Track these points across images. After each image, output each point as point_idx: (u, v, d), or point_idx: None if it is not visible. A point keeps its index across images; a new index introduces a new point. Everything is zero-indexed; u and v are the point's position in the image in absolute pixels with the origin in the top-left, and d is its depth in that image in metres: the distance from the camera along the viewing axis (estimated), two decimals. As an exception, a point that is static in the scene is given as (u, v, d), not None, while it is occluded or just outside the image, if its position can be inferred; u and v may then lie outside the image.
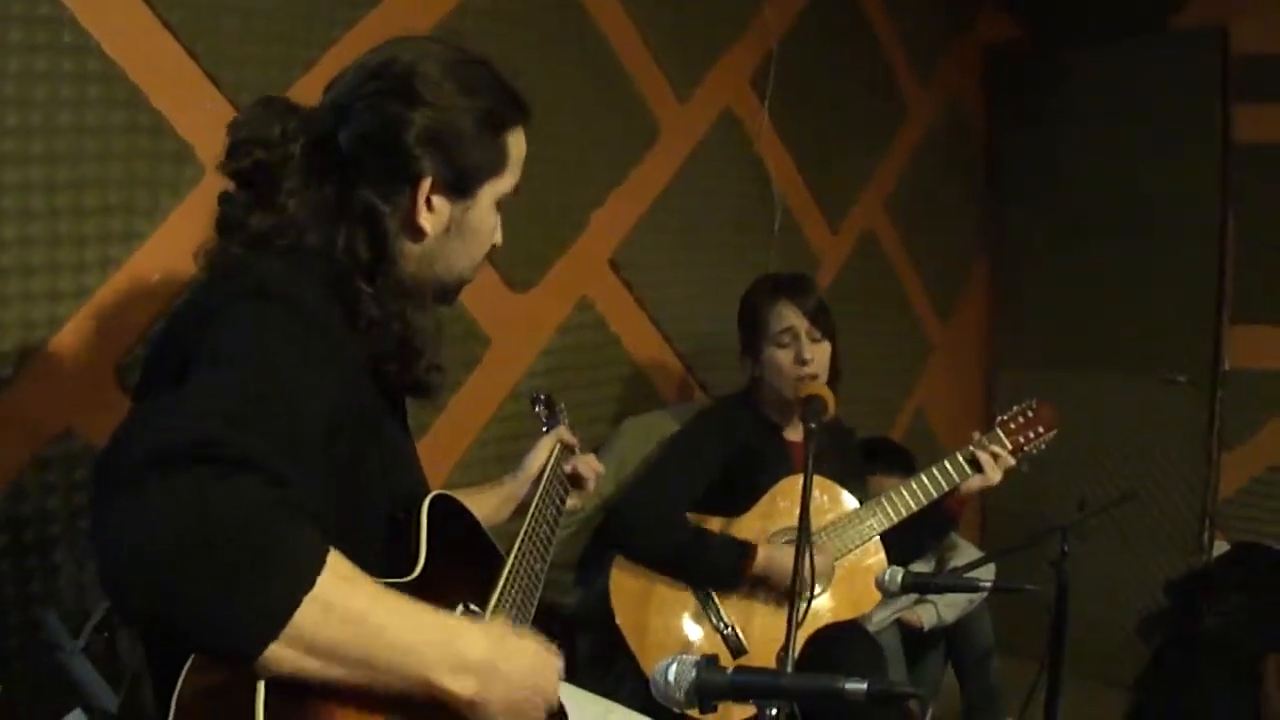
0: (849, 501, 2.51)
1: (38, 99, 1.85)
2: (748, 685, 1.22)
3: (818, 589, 2.32)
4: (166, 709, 1.06)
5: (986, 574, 2.78)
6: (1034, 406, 2.57)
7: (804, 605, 1.69)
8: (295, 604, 0.99)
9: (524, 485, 1.90)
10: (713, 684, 1.20)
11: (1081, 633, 2.52)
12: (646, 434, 2.86)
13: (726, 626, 2.39)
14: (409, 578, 1.27)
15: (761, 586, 2.41)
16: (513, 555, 1.54)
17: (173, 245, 2.00)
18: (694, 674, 1.19)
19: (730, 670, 1.21)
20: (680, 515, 2.46)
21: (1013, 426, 2.54)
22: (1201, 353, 4.03)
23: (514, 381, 2.74)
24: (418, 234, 1.39)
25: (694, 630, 2.39)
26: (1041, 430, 2.55)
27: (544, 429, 2.02)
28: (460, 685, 1.12)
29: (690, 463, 2.56)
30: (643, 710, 1.81)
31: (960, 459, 2.49)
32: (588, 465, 2.01)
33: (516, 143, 1.46)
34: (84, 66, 1.90)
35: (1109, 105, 4.17)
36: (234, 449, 1.01)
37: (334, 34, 2.28)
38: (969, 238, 4.58)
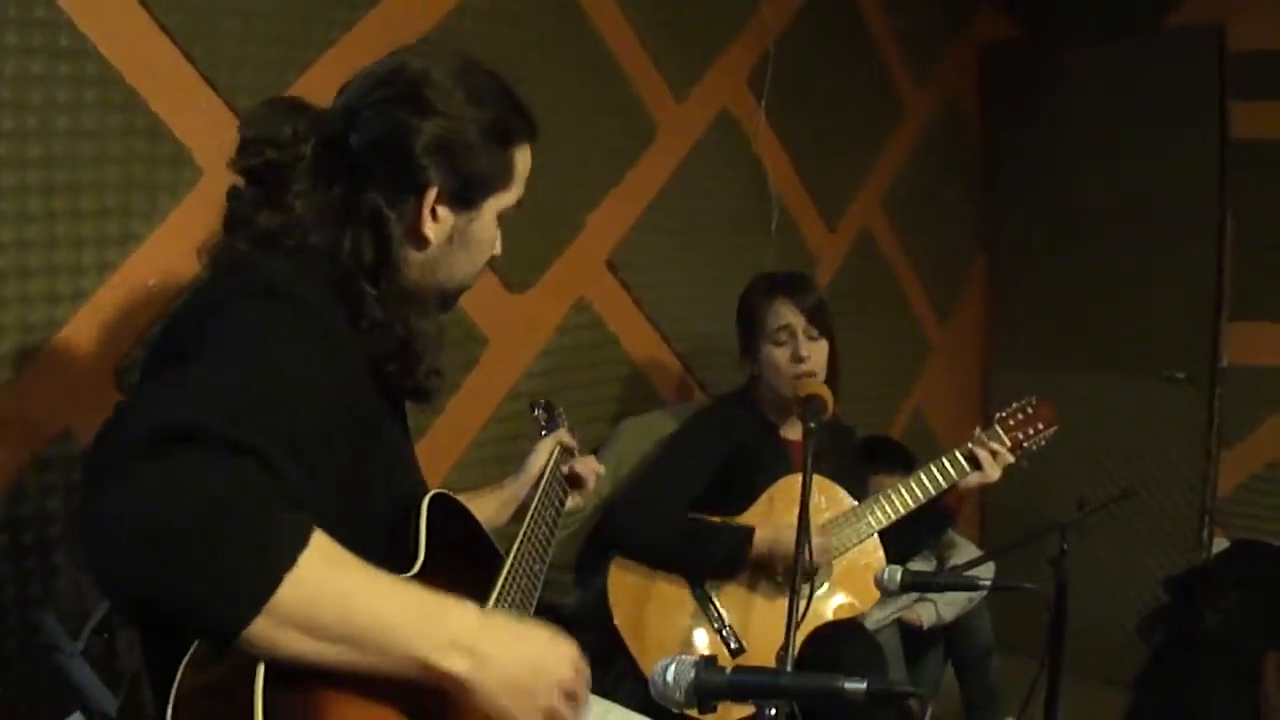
0: (847, 500, 2.51)
1: (34, 102, 1.84)
2: (747, 685, 1.22)
3: (819, 575, 2.32)
4: (165, 707, 1.06)
5: (986, 572, 2.79)
6: (1033, 403, 2.57)
7: (803, 604, 1.70)
8: (277, 581, 0.99)
9: (524, 487, 1.90)
10: (711, 684, 1.20)
11: (1081, 631, 2.52)
12: (645, 434, 2.86)
13: (725, 626, 2.39)
14: (407, 575, 1.27)
15: (761, 581, 2.41)
16: (512, 555, 1.54)
17: (170, 247, 2.00)
18: (693, 674, 1.19)
19: (729, 670, 1.21)
20: (676, 514, 2.46)
21: (1012, 423, 2.54)
22: (1200, 350, 4.04)
23: (512, 382, 2.74)
24: (421, 242, 1.39)
25: (692, 630, 2.39)
26: (1041, 427, 2.55)
27: (543, 433, 2.03)
28: (450, 662, 1.09)
29: (687, 462, 2.56)
30: (641, 710, 1.81)
31: (959, 456, 2.49)
32: (587, 466, 2.02)
33: (523, 158, 1.47)
34: (81, 69, 1.90)
35: (1106, 103, 4.17)
36: (227, 433, 1.01)
37: (332, 36, 2.28)
38: (967, 236, 4.58)
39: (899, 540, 2.51)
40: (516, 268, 2.72)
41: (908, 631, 3.09)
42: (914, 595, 3.02)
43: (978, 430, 2.54)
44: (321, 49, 2.26)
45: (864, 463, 2.94)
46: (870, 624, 2.87)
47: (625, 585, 2.43)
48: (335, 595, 1.03)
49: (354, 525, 1.13)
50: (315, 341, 1.22)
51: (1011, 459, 2.50)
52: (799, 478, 1.87)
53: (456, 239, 1.42)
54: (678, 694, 1.20)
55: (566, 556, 2.69)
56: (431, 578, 1.28)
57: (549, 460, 1.92)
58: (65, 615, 1.82)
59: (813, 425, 2.08)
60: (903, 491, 2.47)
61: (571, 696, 1.21)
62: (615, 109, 3.00)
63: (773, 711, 1.23)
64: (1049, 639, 2.19)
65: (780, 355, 2.54)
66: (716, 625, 2.39)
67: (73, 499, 1.90)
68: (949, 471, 2.48)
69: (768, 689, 1.22)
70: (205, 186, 2.04)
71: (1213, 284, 4.02)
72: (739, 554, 2.38)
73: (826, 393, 2.30)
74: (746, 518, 2.48)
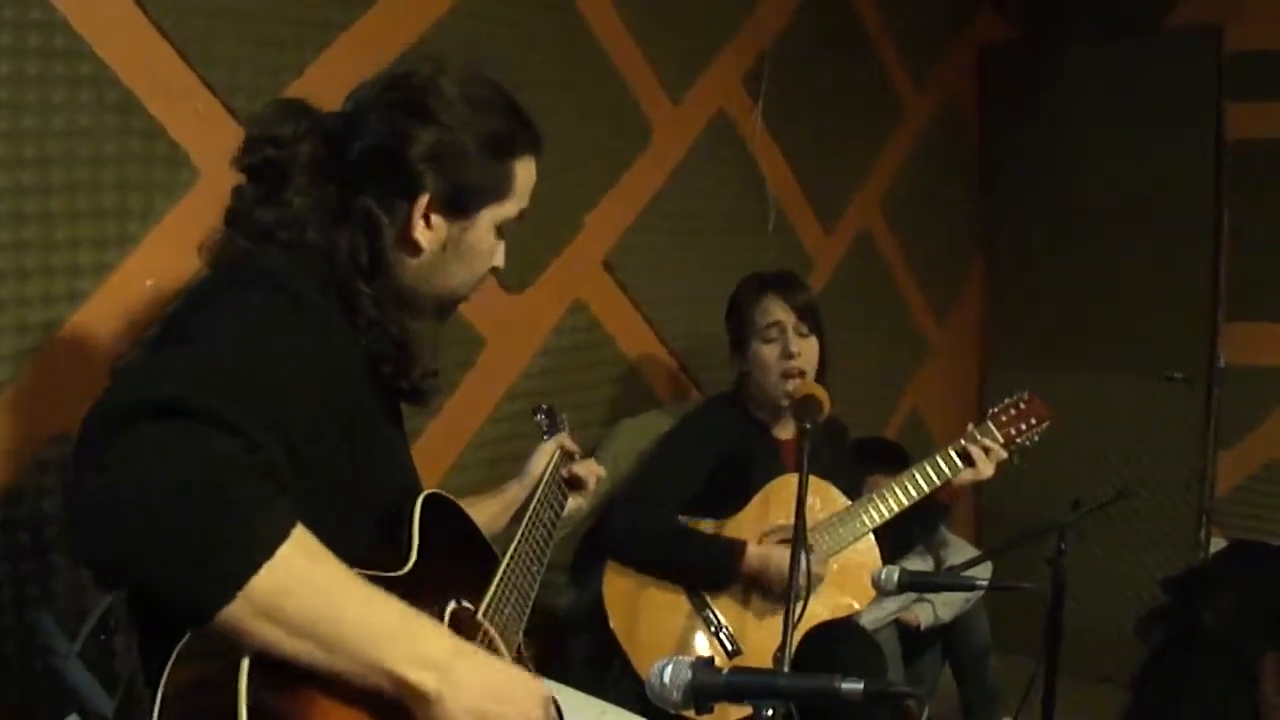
0: (841, 500, 2.50)
1: (30, 103, 1.84)
2: (743, 685, 1.22)
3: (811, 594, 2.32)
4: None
5: (983, 572, 2.79)
6: (1025, 399, 2.57)
7: (799, 606, 1.69)
8: (254, 569, 0.99)
9: (525, 491, 1.90)
10: (708, 685, 1.20)
11: (1078, 631, 2.53)
12: (642, 435, 2.86)
13: (721, 629, 2.38)
14: (400, 572, 1.27)
15: (756, 587, 2.41)
16: (508, 556, 1.55)
17: (167, 248, 2.00)
18: (689, 675, 1.19)
19: (726, 670, 1.21)
20: (669, 517, 2.46)
21: (1004, 419, 2.55)
22: (1198, 350, 4.04)
23: (509, 383, 2.74)
24: (414, 248, 1.40)
25: (688, 632, 2.39)
26: (1034, 422, 2.55)
27: (545, 438, 2.03)
28: (419, 677, 1.08)
29: (678, 465, 2.55)
30: (638, 712, 1.81)
31: (952, 453, 2.49)
32: (587, 468, 2.03)
33: (524, 170, 1.47)
34: (76, 70, 1.89)
35: (1104, 104, 4.17)
36: (211, 409, 1.02)
37: (328, 37, 2.28)
38: (965, 237, 4.58)
39: (894, 535, 2.51)
40: (513, 268, 2.68)
41: (905, 632, 3.09)
42: (911, 595, 3.02)
43: (970, 427, 2.54)
44: (319, 50, 2.26)
45: (858, 462, 2.94)
46: (868, 624, 2.87)
47: (620, 588, 2.42)
48: (312, 591, 1.04)
49: (346, 521, 1.14)
50: (311, 334, 1.23)
51: (1005, 455, 2.51)
52: (794, 478, 1.88)
53: (451, 247, 1.42)
54: (674, 695, 1.20)
55: (562, 558, 2.69)
56: (425, 575, 1.29)
57: (549, 464, 1.93)
58: (62, 617, 1.81)
59: (808, 425, 2.09)
60: (896, 490, 2.47)
61: None
62: (611, 111, 2.99)
63: (769, 712, 1.23)
64: (1046, 639, 2.20)
65: (769, 352, 2.54)
66: (713, 628, 2.39)
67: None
68: (942, 469, 2.48)
69: (764, 689, 1.22)
70: (202, 187, 2.04)
71: (1210, 283, 4.02)
72: (729, 565, 2.38)
73: (822, 393, 2.29)
74: (741, 518, 2.48)
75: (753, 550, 2.37)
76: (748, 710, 1.25)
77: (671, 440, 2.66)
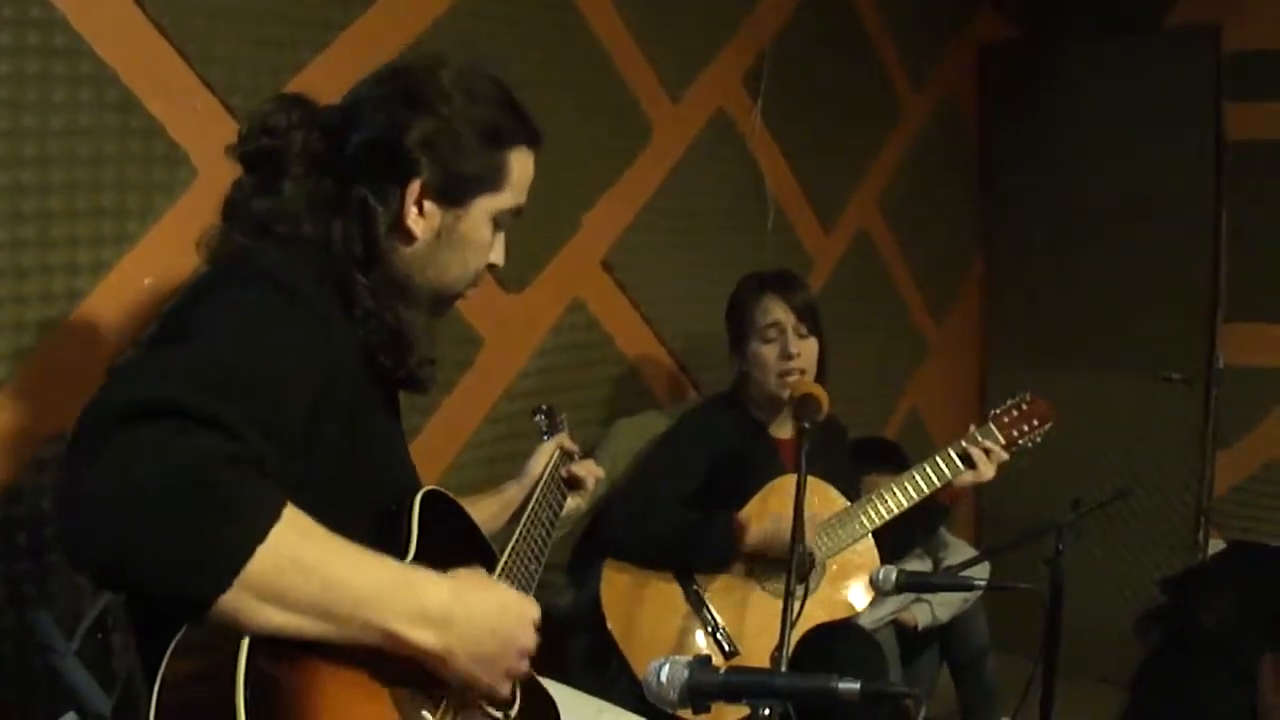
0: (840, 500, 2.50)
1: (29, 101, 1.84)
2: (740, 685, 1.22)
3: (812, 575, 2.32)
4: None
5: (982, 573, 2.78)
6: (1027, 400, 2.56)
7: (798, 604, 1.69)
8: (248, 552, 1.00)
9: (525, 491, 1.91)
10: (706, 684, 1.20)
11: (1077, 631, 2.53)
12: (640, 434, 2.86)
13: (718, 629, 2.38)
14: None
15: (754, 584, 2.41)
16: (506, 555, 1.55)
17: (166, 247, 2.00)
18: (687, 674, 1.20)
19: (723, 670, 1.21)
20: (668, 518, 2.45)
21: (1005, 420, 2.54)
22: (1196, 350, 4.03)
23: (507, 382, 2.74)
24: (408, 237, 1.40)
25: (686, 631, 2.39)
26: (1035, 424, 2.54)
27: (544, 438, 2.04)
28: (422, 637, 1.12)
29: (676, 465, 2.55)
30: (636, 711, 1.81)
31: (952, 454, 2.48)
32: (586, 468, 2.03)
33: (520, 162, 1.47)
34: (76, 69, 1.90)
35: (1103, 103, 4.17)
36: (208, 409, 1.02)
37: (327, 36, 2.28)
38: (964, 237, 4.58)
39: (894, 536, 2.50)
40: (512, 268, 2.69)
41: (903, 632, 3.08)
42: (910, 596, 3.02)
43: (972, 428, 2.53)
44: (318, 49, 2.26)
45: (856, 462, 2.94)
46: (866, 624, 2.87)
47: (618, 588, 2.42)
48: (307, 567, 1.05)
49: (344, 515, 1.14)
50: (309, 330, 1.23)
51: (1006, 457, 2.49)
52: (793, 478, 1.87)
53: (444, 236, 1.42)
54: (672, 694, 1.20)
55: (560, 558, 2.69)
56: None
57: (548, 463, 1.93)
58: (60, 616, 1.82)
59: (807, 425, 2.09)
60: (895, 491, 2.47)
61: (526, 653, 1.29)
62: (611, 109, 2.99)
63: (766, 712, 1.23)
64: (1044, 639, 2.20)
65: (768, 352, 2.54)
66: (710, 628, 2.39)
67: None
68: (942, 470, 2.48)
69: (761, 689, 1.22)
70: (201, 186, 2.04)
71: (1209, 284, 4.02)
72: (729, 538, 2.37)
73: (821, 393, 2.29)
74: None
75: (758, 522, 2.37)
76: (745, 710, 1.25)
77: (670, 440, 2.66)
